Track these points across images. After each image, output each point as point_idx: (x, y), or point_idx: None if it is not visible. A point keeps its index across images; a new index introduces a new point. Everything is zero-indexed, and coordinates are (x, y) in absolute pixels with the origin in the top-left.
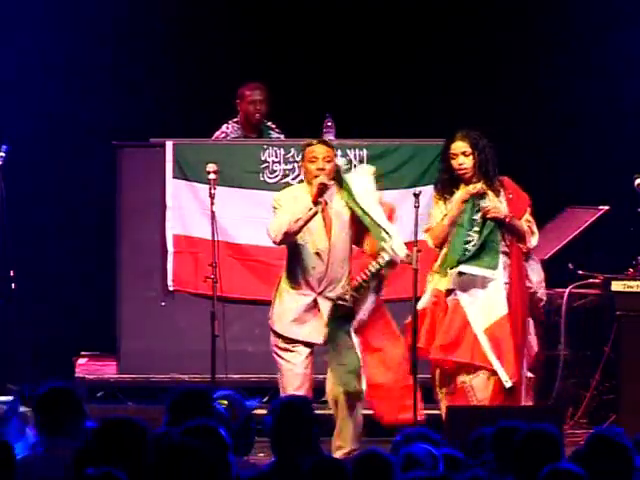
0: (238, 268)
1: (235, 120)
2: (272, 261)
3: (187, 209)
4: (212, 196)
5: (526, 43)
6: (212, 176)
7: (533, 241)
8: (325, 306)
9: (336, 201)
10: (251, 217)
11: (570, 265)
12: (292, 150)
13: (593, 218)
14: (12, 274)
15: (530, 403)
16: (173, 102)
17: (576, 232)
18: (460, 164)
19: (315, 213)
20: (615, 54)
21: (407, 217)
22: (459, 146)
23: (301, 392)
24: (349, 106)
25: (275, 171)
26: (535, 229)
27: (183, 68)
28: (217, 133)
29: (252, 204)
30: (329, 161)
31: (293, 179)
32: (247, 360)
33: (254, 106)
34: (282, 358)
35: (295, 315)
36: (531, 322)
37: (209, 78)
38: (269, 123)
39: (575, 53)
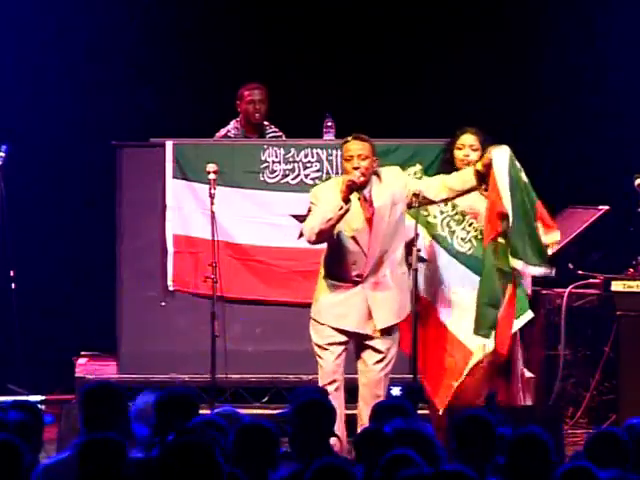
0: (238, 268)
1: (237, 120)
2: (272, 261)
3: (187, 209)
4: (212, 196)
5: (526, 43)
6: (212, 176)
7: None
8: (372, 292)
9: (377, 193)
10: (251, 217)
11: (570, 265)
12: (292, 150)
13: (593, 218)
14: (12, 274)
15: (529, 403)
16: (173, 102)
17: (576, 232)
18: (466, 155)
19: (346, 211)
20: (616, 54)
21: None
22: (469, 139)
23: (331, 388)
24: (349, 106)
25: (275, 171)
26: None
27: (183, 68)
28: (219, 133)
29: (252, 204)
30: (364, 158)
31: (293, 179)
32: (247, 360)
33: (253, 106)
34: (317, 355)
35: (340, 306)
36: None
37: (209, 78)
38: (265, 123)
39: (576, 54)
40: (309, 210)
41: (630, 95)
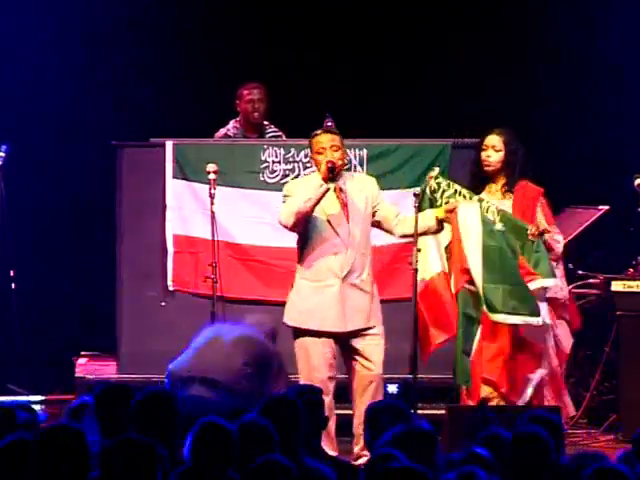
0: (238, 268)
1: (236, 120)
2: (272, 261)
3: (187, 209)
4: (212, 196)
5: (526, 44)
6: (212, 176)
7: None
8: (349, 293)
9: (351, 189)
10: (251, 217)
11: (570, 265)
12: (292, 150)
13: (593, 218)
14: (12, 274)
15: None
16: (173, 102)
17: (576, 232)
18: (488, 156)
19: (326, 191)
20: (616, 54)
21: None
22: (492, 140)
23: (326, 398)
24: (349, 106)
25: (275, 171)
26: (557, 237)
27: (183, 68)
28: (218, 133)
29: (252, 204)
30: (337, 149)
31: (293, 179)
32: None
33: (252, 105)
34: (309, 364)
35: (320, 307)
36: (562, 323)
37: (209, 78)
38: (265, 122)
39: (576, 54)
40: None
41: (630, 95)
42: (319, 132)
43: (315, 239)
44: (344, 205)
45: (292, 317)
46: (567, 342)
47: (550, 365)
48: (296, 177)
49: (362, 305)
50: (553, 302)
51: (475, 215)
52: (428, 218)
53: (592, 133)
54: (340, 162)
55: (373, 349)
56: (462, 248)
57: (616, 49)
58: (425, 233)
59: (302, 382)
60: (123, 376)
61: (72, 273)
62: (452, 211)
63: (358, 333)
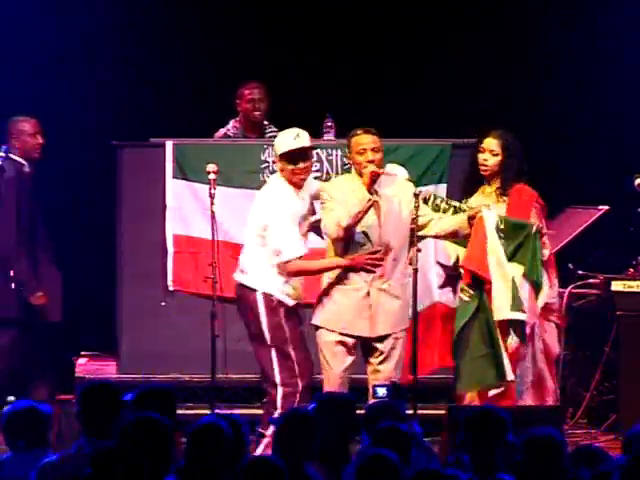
0: None
1: (236, 120)
2: None
3: (187, 209)
4: (212, 196)
5: (526, 44)
6: (212, 176)
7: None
8: (378, 298)
9: (386, 188)
10: None
11: (570, 265)
12: None
13: (593, 218)
14: (12, 274)
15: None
16: (173, 102)
17: (576, 232)
18: (485, 159)
19: (373, 203)
20: (616, 54)
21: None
22: (490, 143)
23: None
24: (349, 106)
25: (275, 171)
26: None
27: (183, 68)
28: (218, 133)
29: (252, 204)
30: (377, 150)
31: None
32: (247, 360)
33: (253, 105)
34: (325, 364)
35: (351, 311)
36: (550, 325)
37: (209, 78)
38: (265, 122)
39: (576, 54)
40: (322, 205)
41: (630, 95)
42: (359, 132)
43: (349, 246)
44: (378, 211)
45: (319, 317)
46: (554, 345)
47: (536, 368)
48: None
49: (391, 310)
50: (545, 307)
51: (492, 223)
52: (463, 223)
53: (592, 133)
54: (382, 170)
55: (389, 355)
56: (486, 254)
57: (616, 49)
58: (455, 234)
59: (324, 382)
60: (123, 376)
61: (72, 273)
62: (474, 217)
63: (382, 337)
